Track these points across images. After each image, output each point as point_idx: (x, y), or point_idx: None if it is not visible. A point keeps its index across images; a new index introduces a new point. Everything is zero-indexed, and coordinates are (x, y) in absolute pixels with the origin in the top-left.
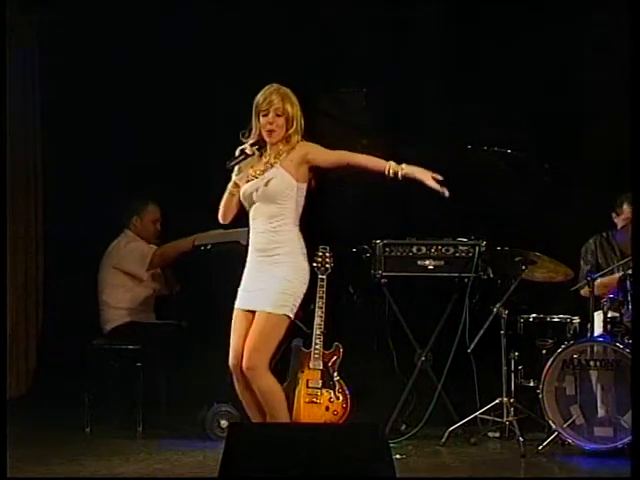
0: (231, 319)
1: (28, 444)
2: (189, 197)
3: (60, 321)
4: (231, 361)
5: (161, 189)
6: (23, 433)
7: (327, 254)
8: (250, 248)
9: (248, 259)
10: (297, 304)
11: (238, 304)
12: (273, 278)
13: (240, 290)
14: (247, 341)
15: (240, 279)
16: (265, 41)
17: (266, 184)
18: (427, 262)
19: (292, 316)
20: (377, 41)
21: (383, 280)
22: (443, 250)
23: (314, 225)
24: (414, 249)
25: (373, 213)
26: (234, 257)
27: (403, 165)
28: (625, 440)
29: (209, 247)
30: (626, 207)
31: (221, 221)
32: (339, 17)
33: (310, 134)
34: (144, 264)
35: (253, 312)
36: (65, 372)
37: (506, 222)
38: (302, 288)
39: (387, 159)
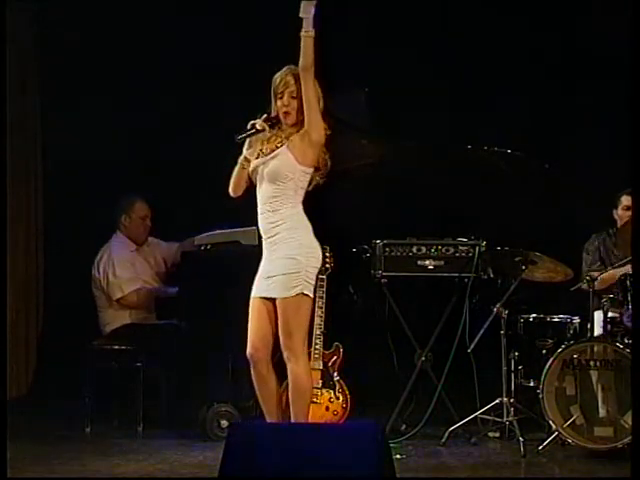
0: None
1: (28, 444)
2: (189, 197)
3: (60, 321)
4: (249, 350)
5: (161, 189)
6: (23, 433)
7: (327, 254)
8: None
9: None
10: (310, 278)
11: (254, 292)
12: (276, 260)
13: (257, 277)
14: (279, 329)
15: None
16: (265, 41)
17: (270, 164)
18: (427, 262)
19: (309, 292)
20: (377, 40)
21: (383, 280)
22: (443, 250)
23: (314, 225)
24: (414, 249)
25: (373, 213)
26: (234, 257)
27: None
28: (625, 440)
29: (209, 247)
30: (624, 198)
31: (231, 194)
32: (338, 16)
33: None
34: (129, 287)
35: (269, 299)
36: (65, 372)
37: (506, 222)
38: (310, 262)
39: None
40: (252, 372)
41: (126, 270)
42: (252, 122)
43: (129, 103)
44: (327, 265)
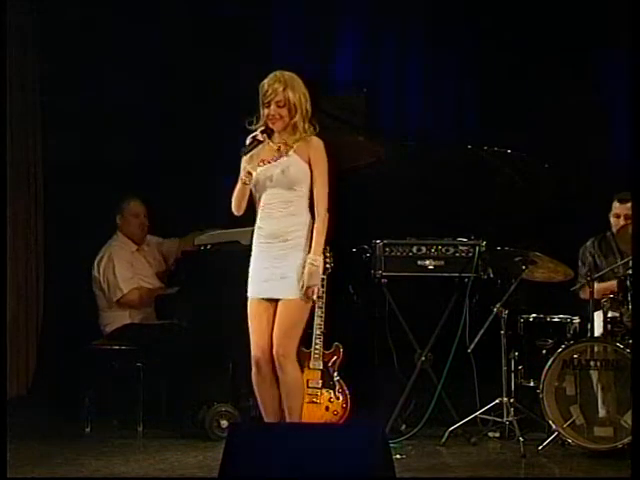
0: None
1: (28, 444)
2: (189, 198)
3: (60, 321)
4: (255, 353)
5: (161, 189)
6: (23, 433)
7: (327, 254)
8: (261, 235)
9: (259, 247)
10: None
11: (256, 293)
12: (292, 263)
13: (254, 279)
14: (277, 329)
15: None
16: (264, 41)
17: (285, 171)
18: (427, 262)
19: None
20: (377, 40)
21: (383, 280)
22: (443, 250)
23: None
24: (414, 249)
25: (373, 213)
26: (234, 257)
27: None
28: (625, 440)
29: (209, 247)
30: (615, 204)
31: (235, 212)
32: (339, 16)
33: None
34: (128, 286)
35: (274, 300)
36: (65, 372)
37: (506, 222)
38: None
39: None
40: (255, 376)
41: (125, 270)
42: (252, 135)
43: (130, 103)
44: (327, 265)
